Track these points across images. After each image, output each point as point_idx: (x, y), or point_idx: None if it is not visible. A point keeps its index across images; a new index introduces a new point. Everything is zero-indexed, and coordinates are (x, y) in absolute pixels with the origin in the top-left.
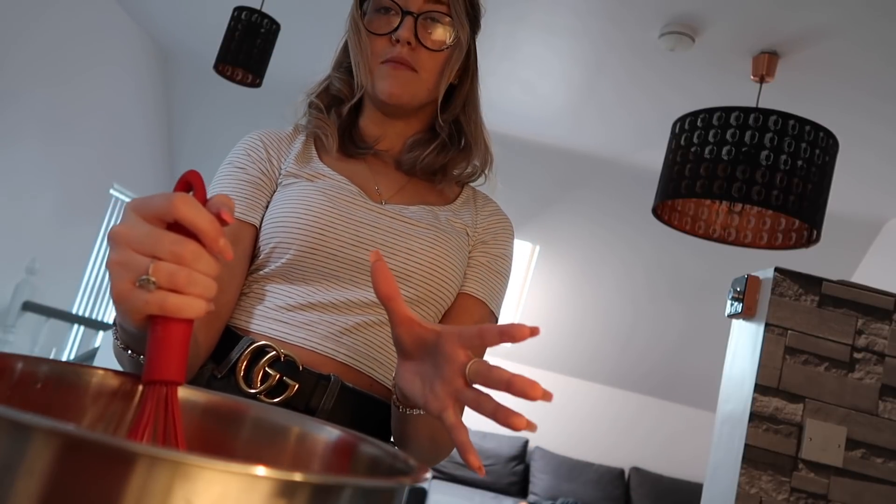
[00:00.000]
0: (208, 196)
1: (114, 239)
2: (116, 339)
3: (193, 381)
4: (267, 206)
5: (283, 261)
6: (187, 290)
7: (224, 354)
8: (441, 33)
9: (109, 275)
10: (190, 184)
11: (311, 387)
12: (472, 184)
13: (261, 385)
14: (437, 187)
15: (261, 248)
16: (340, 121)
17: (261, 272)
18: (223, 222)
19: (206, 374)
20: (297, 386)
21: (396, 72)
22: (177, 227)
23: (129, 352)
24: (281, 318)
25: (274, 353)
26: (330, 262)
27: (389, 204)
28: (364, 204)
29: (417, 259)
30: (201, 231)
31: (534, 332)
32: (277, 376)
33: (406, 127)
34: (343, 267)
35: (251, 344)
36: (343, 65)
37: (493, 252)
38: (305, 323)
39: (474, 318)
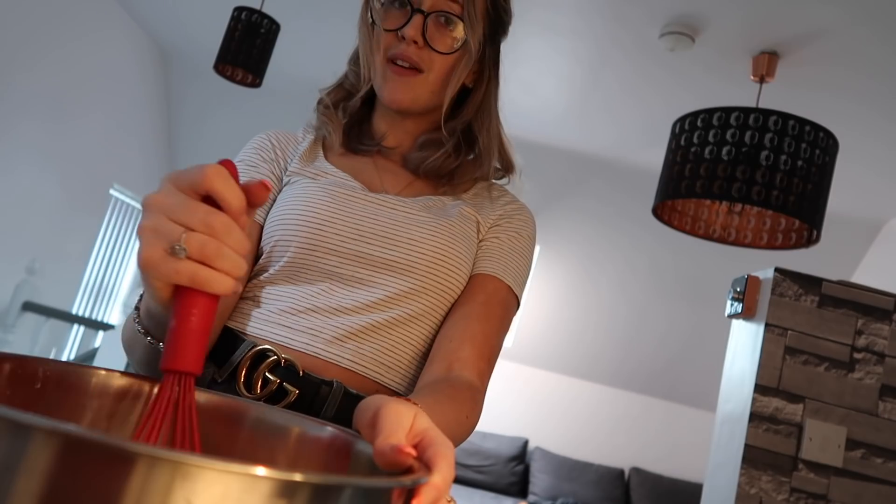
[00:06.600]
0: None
1: (147, 205)
2: (136, 321)
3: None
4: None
5: (284, 260)
6: (217, 263)
7: (226, 357)
8: (451, 35)
9: (140, 241)
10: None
11: (311, 393)
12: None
13: (261, 390)
14: (441, 189)
15: (262, 248)
16: (349, 116)
17: (263, 276)
18: (254, 201)
19: (207, 377)
20: (296, 392)
21: (399, 77)
22: (209, 202)
23: (149, 338)
24: (284, 323)
25: (274, 357)
26: (331, 259)
27: (392, 194)
28: (364, 196)
29: (420, 248)
30: (227, 204)
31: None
32: (277, 382)
33: (416, 125)
34: (345, 263)
35: (252, 347)
36: (359, 57)
37: (507, 232)
38: (309, 327)
39: (486, 293)
